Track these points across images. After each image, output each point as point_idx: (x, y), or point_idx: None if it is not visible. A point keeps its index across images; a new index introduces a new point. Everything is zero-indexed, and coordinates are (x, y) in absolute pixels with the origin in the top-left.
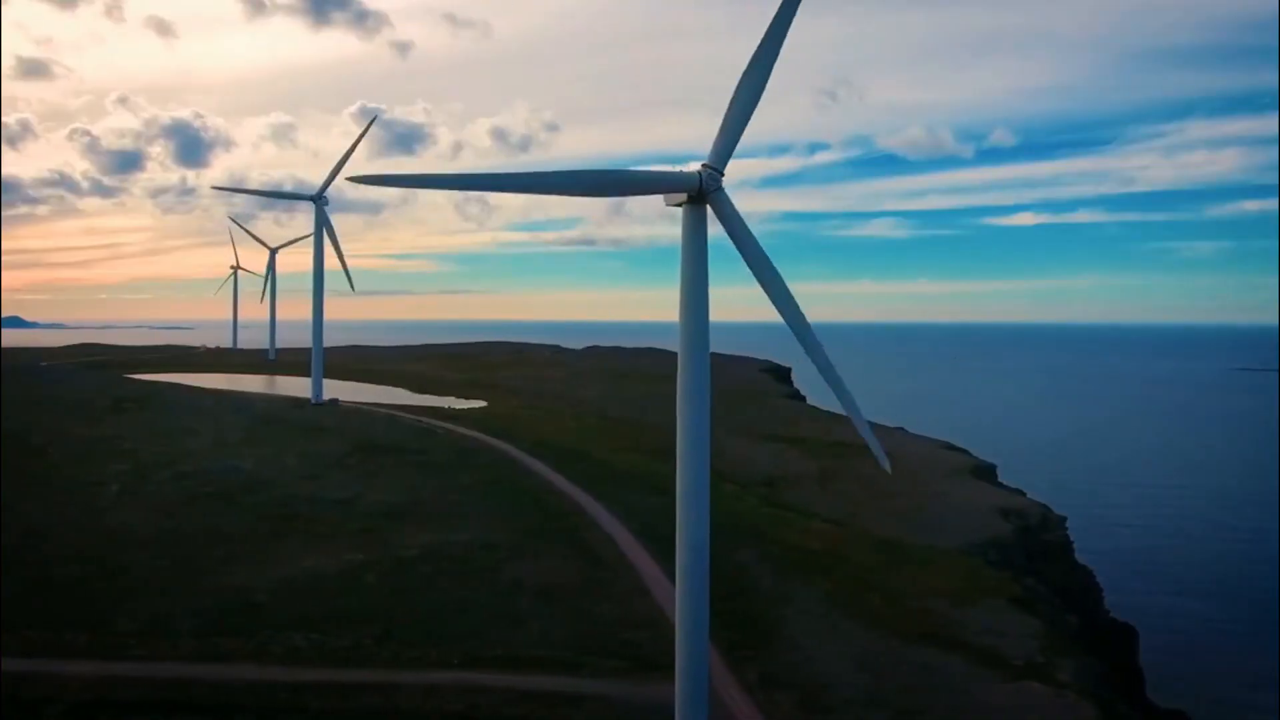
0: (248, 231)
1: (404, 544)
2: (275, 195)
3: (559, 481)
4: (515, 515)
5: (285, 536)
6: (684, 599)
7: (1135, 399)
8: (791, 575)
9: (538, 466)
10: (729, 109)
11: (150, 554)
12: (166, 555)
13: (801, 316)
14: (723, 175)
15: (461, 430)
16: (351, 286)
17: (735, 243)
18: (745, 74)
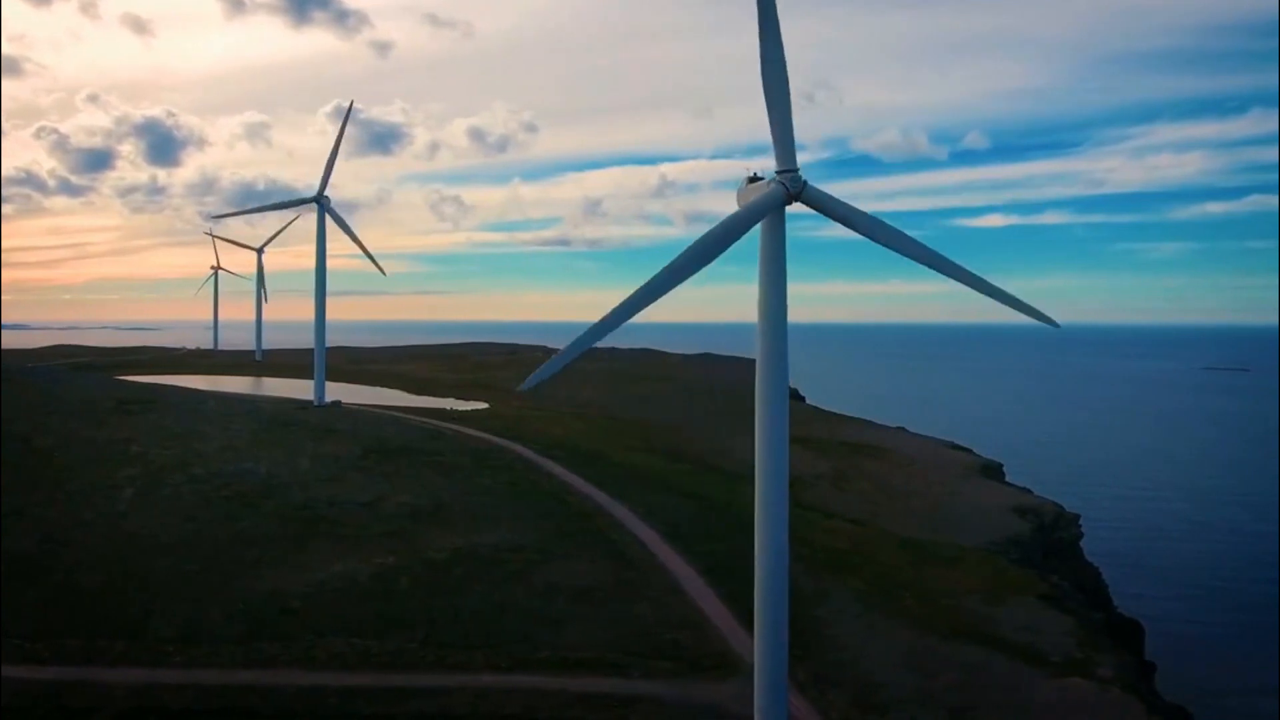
0: (231, 242)
1: (433, 546)
2: (278, 207)
3: (577, 483)
4: (539, 517)
5: (311, 539)
6: (763, 604)
7: (1115, 399)
8: (823, 575)
9: (554, 468)
10: (770, 112)
11: (176, 558)
12: (193, 560)
13: (936, 254)
14: (798, 172)
15: (470, 432)
16: (382, 271)
17: (844, 223)
18: (763, 74)
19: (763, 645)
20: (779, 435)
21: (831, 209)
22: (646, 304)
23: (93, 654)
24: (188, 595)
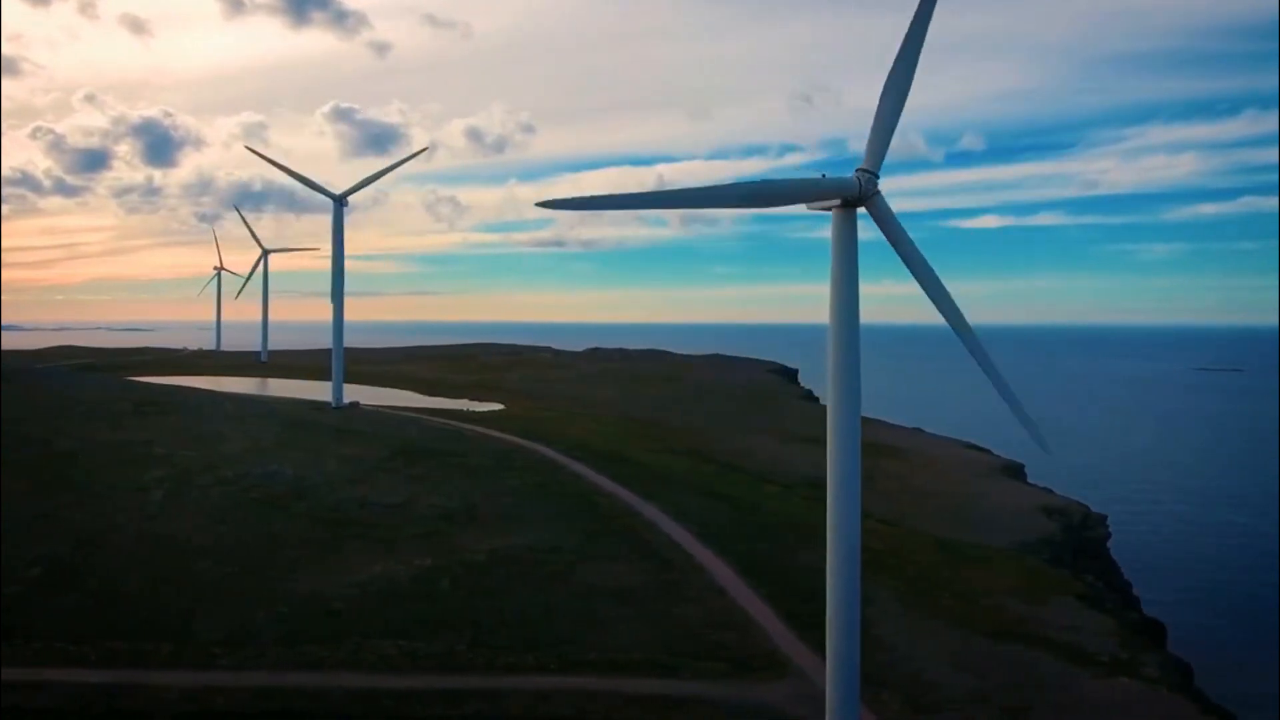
0: (250, 230)
1: (469, 548)
2: (302, 180)
3: (605, 483)
4: (571, 518)
5: (346, 542)
6: (836, 604)
7: (1112, 400)
8: (862, 575)
9: (579, 469)
10: (880, 110)
11: (213, 561)
12: (230, 562)
13: (962, 318)
14: (879, 178)
15: (491, 433)
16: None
17: (893, 244)
18: (891, 73)
19: (835, 649)
20: (850, 441)
21: (889, 228)
22: (677, 205)
23: (140, 657)
24: (229, 598)
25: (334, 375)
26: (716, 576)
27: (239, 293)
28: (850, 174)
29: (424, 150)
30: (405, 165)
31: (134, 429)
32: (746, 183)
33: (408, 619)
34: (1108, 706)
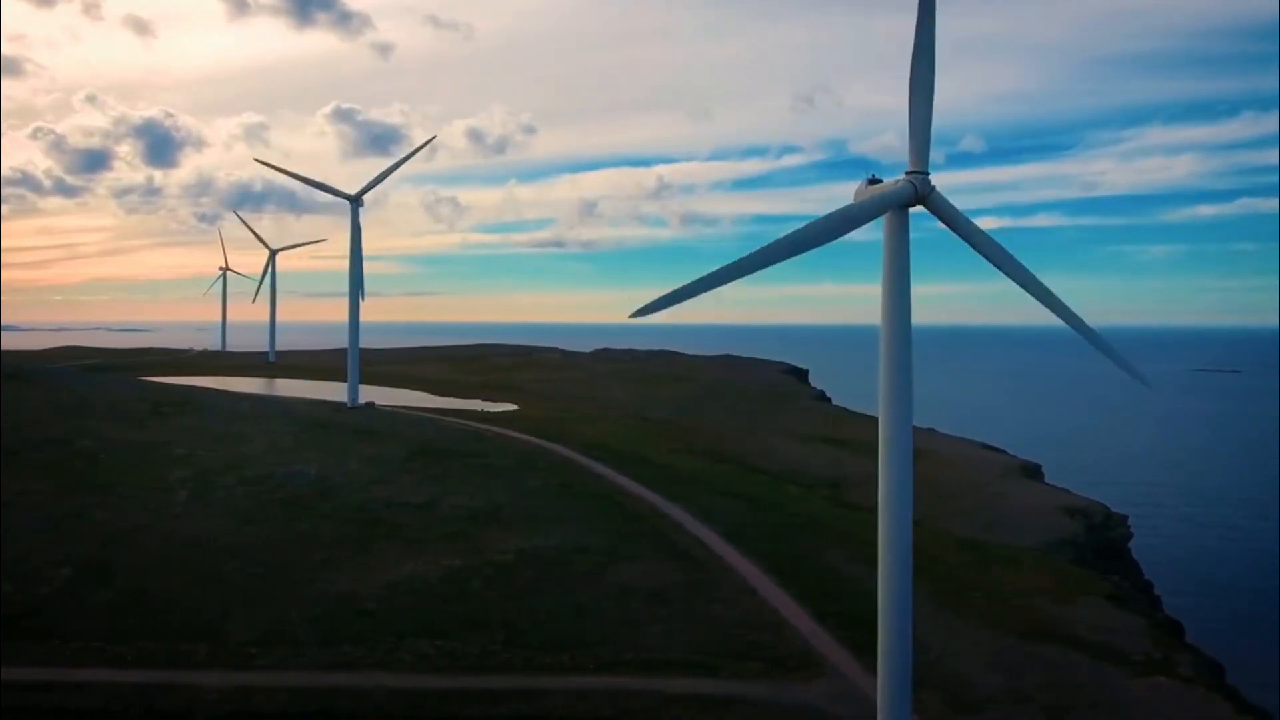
0: (252, 231)
1: (496, 548)
2: (315, 185)
3: (627, 484)
4: (597, 518)
5: (375, 542)
6: (887, 605)
7: (1111, 400)
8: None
9: (600, 469)
10: (911, 111)
11: (242, 561)
12: (259, 563)
13: (1053, 296)
14: (928, 175)
15: (508, 433)
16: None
17: (961, 237)
18: (912, 73)
19: (886, 651)
20: (902, 445)
21: (952, 219)
22: (739, 276)
23: (176, 657)
24: (262, 598)
25: (350, 375)
26: (746, 577)
27: (255, 297)
28: (900, 178)
29: (432, 139)
30: (407, 164)
31: (154, 429)
32: (806, 227)
33: (441, 619)
34: (1147, 706)
